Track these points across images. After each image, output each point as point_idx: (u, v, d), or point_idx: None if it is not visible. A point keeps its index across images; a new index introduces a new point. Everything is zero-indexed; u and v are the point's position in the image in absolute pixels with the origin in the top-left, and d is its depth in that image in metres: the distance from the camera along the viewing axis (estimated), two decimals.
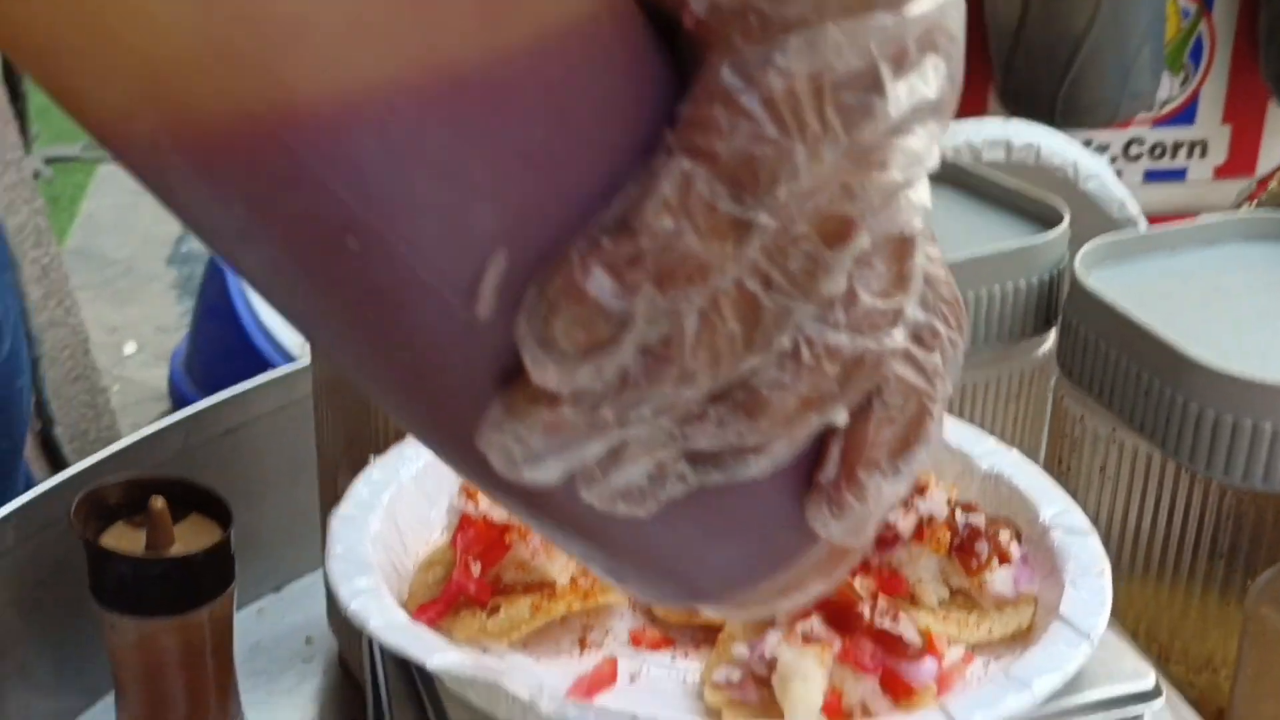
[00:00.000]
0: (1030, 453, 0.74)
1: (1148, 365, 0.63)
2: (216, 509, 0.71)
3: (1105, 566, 0.50)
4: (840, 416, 0.26)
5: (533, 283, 0.23)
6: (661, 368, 0.23)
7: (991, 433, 0.72)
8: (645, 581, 0.28)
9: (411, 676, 0.48)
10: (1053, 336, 0.72)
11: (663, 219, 0.23)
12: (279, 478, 0.85)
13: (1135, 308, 0.65)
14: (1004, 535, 0.51)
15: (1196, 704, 0.67)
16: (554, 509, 0.26)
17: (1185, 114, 1.54)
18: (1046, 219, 0.72)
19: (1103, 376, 0.65)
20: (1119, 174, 1.58)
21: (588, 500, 0.25)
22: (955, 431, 0.58)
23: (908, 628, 0.45)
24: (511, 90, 0.23)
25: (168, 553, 0.67)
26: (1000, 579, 0.50)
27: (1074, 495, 0.68)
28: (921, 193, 0.26)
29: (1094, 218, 0.97)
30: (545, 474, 0.24)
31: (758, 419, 0.25)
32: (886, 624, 0.45)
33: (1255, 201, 0.84)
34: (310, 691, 0.80)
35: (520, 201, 0.23)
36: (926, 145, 0.25)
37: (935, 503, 0.51)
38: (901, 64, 0.25)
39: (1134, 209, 0.96)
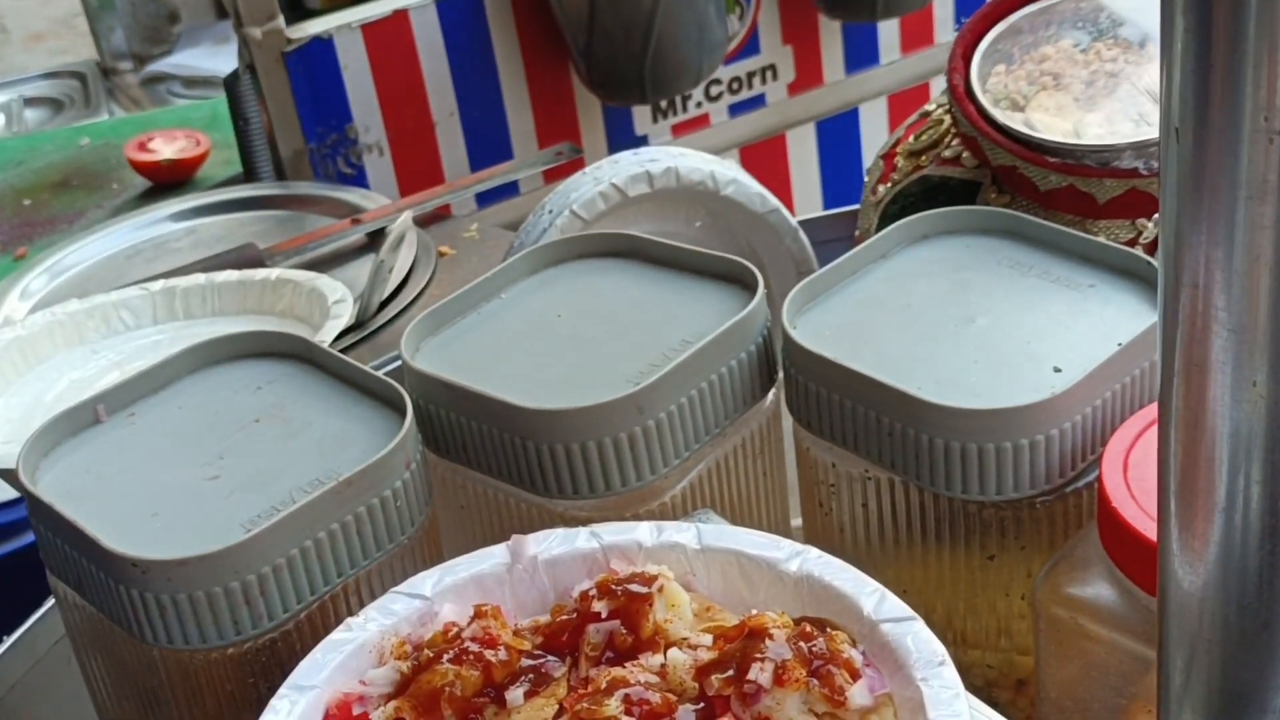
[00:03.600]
0: (782, 496, 0.79)
1: (884, 409, 0.67)
2: None
3: (945, 654, 0.54)
4: None
5: None
6: None
7: (751, 491, 0.76)
8: None
9: None
10: (775, 383, 0.76)
11: None
12: None
13: (850, 354, 0.69)
14: (844, 647, 0.55)
15: (997, 681, 0.74)
16: None
17: (750, 45, 1.61)
18: (740, 279, 0.76)
19: (843, 425, 0.70)
20: (707, 116, 1.65)
21: None
22: (752, 541, 0.61)
23: None
24: None
25: None
26: (858, 693, 0.54)
27: (841, 532, 0.73)
28: None
29: (740, 216, 1.02)
30: None
31: None
32: None
33: (889, 183, 0.90)
34: None
35: None
36: None
37: (781, 644, 0.54)
38: None
39: (773, 200, 1.01)
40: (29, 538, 1.72)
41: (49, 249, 1.26)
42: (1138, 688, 0.64)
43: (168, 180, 1.58)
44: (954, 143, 0.87)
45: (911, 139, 0.91)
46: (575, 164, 1.41)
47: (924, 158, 0.89)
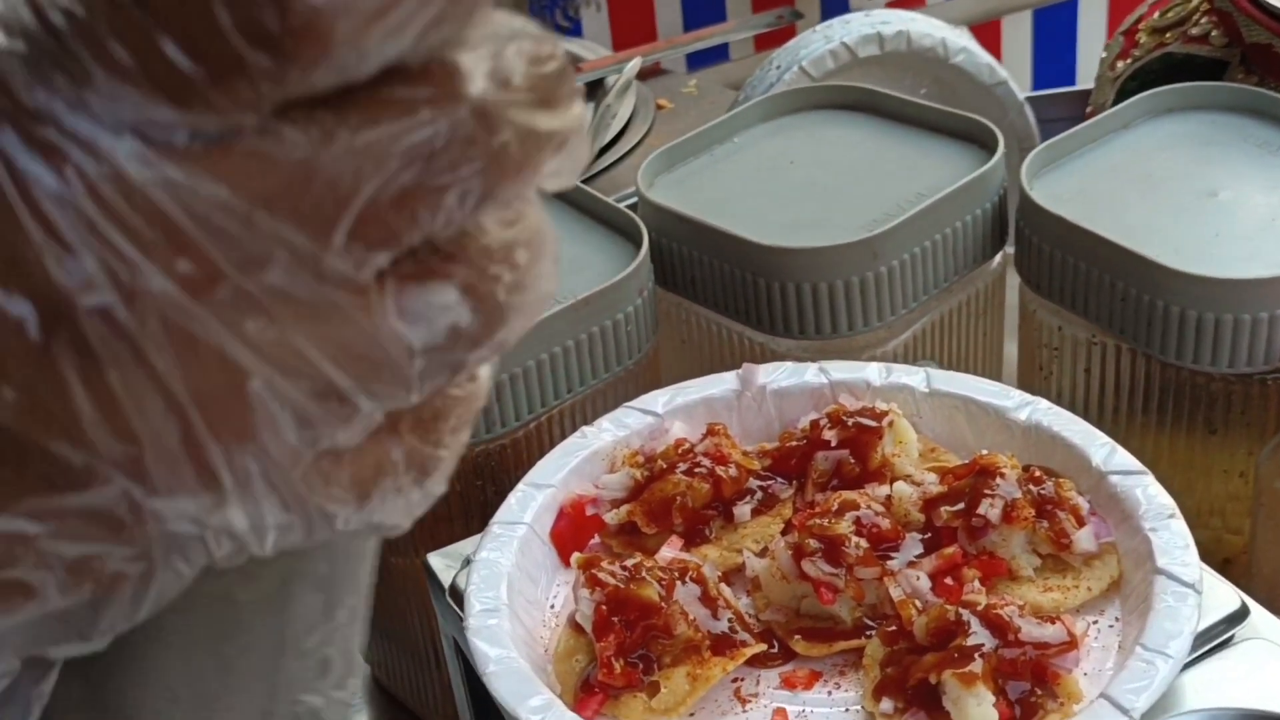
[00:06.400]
0: (998, 361, 0.79)
1: (1120, 274, 0.67)
2: None
3: (1175, 508, 0.54)
4: None
5: None
6: None
7: (967, 351, 0.76)
8: None
9: None
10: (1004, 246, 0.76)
11: None
12: None
13: (1088, 218, 0.69)
14: (1071, 494, 0.56)
15: (1203, 558, 0.74)
16: None
17: None
18: (978, 138, 0.76)
19: (1073, 288, 0.70)
20: None
21: None
22: (981, 388, 0.62)
23: (1050, 628, 0.49)
24: None
25: None
26: (1084, 537, 0.54)
27: (1059, 397, 0.73)
28: None
29: (967, 86, 1.00)
30: None
31: None
32: (1034, 630, 0.49)
33: (1130, 59, 0.88)
34: None
35: None
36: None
37: (1011, 484, 0.55)
38: None
39: (1002, 72, 1.00)
40: None
41: None
42: None
43: None
44: (1202, 20, 0.85)
45: (1156, 15, 0.89)
46: (788, 31, 1.40)
47: (1169, 34, 0.87)
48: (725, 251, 0.71)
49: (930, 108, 0.78)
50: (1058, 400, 0.73)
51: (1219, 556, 0.73)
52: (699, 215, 0.71)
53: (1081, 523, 0.55)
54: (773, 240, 0.69)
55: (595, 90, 1.17)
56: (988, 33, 1.64)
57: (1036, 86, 1.68)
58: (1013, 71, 1.62)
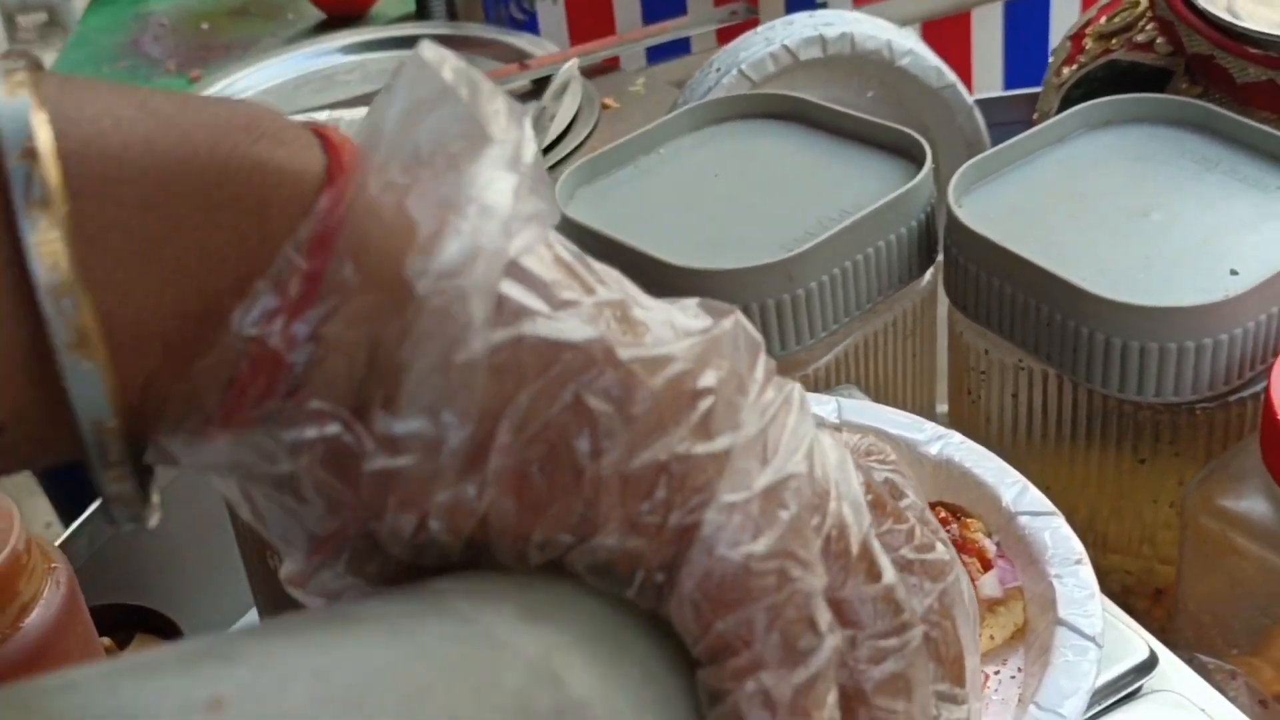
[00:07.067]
0: (930, 381, 0.77)
1: (1045, 299, 0.65)
2: (158, 623, 0.70)
3: (1083, 553, 0.52)
4: None
5: None
6: None
7: (896, 372, 0.74)
8: None
9: None
10: (934, 264, 0.73)
11: None
12: (189, 539, 0.83)
13: (1016, 239, 0.66)
14: (978, 536, 0.53)
15: (1134, 589, 0.72)
16: None
17: None
18: (908, 151, 0.73)
19: (1000, 311, 0.67)
20: None
21: None
22: (894, 420, 0.60)
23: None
24: None
25: None
26: (987, 583, 0.52)
27: (987, 422, 0.71)
28: None
29: (913, 89, 0.98)
30: None
31: None
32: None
33: (1075, 65, 0.86)
34: None
35: None
36: None
37: None
38: None
39: (950, 75, 0.97)
40: None
41: (222, 72, 1.27)
42: None
43: (342, 14, 1.57)
44: (1148, 27, 0.82)
45: (1104, 20, 0.86)
46: (749, 24, 1.37)
47: (1115, 41, 0.84)
48: (638, 270, 0.67)
49: (861, 119, 0.76)
50: (986, 424, 0.71)
51: (1151, 586, 0.71)
52: (611, 233, 0.69)
53: (987, 566, 0.53)
54: (687, 261, 0.66)
55: (543, 89, 1.14)
56: (958, 28, 1.61)
57: (1008, 85, 1.65)
58: (983, 69, 1.59)
